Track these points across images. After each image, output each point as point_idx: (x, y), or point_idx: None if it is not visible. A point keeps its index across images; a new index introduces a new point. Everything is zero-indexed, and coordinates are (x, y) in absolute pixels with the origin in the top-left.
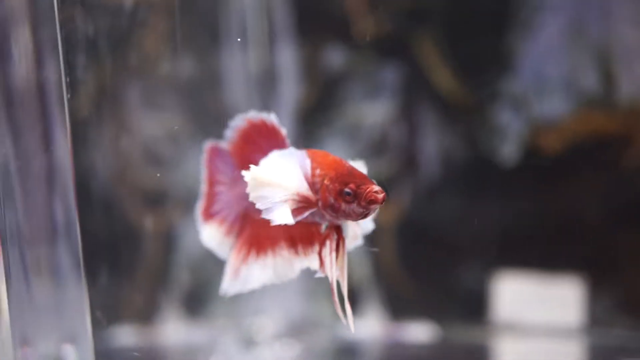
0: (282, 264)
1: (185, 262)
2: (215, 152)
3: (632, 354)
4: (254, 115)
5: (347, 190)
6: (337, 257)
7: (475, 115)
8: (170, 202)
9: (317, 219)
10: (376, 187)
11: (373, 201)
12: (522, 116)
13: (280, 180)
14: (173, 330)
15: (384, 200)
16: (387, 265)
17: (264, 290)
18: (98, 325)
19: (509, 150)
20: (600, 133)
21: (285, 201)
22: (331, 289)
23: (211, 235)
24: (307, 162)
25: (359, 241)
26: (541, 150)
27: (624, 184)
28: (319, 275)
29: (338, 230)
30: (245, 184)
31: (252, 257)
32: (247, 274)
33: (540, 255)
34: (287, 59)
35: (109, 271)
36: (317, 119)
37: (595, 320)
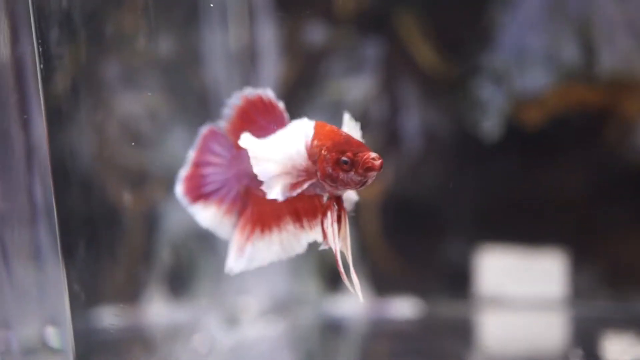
0: (288, 238)
1: (167, 241)
2: (211, 135)
3: (614, 325)
4: (250, 92)
5: (343, 158)
6: (339, 227)
7: (456, 90)
8: (151, 181)
9: (317, 191)
10: (373, 154)
11: (370, 168)
12: (504, 90)
13: (276, 154)
14: (156, 309)
15: (381, 166)
16: (371, 241)
17: (247, 270)
18: (80, 306)
19: (491, 124)
20: (581, 106)
21: (281, 175)
22: (336, 260)
23: (210, 215)
24: (311, 132)
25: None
26: (523, 124)
27: (606, 156)
28: (324, 247)
29: (338, 201)
30: (245, 161)
31: (257, 234)
32: (252, 251)
33: (523, 229)
34: (267, 35)
35: (91, 252)
36: (298, 95)
37: (578, 292)
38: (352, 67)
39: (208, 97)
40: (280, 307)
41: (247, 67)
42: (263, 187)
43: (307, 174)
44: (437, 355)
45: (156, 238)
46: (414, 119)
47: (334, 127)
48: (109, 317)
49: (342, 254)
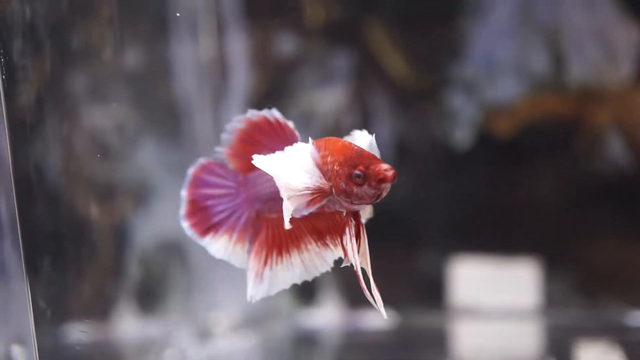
0: (311, 258)
1: (137, 255)
2: (203, 170)
3: (588, 333)
4: (253, 114)
5: (356, 172)
6: (358, 243)
7: (427, 100)
8: (119, 195)
9: (337, 207)
10: (385, 165)
11: (383, 180)
12: (474, 100)
13: (287, 176)
14: (126, 325)
15: (394, 177)
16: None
17: (218, 283)
18: (46, 323)
19: (462, 134)
20: (551, 116)
21: (293, 197)
22: (357, 277)
23: (222, 246)
24: (314, 150)
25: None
26: (494, 133)
27: (576, 166)
28: (346, 264)
29: (355, 216)
30: (256, 185)
31: (274, 258)
32: (271, 276)
33: (496, 239)
34: (237, 46)
35: (57, 267)
36: (269, 106)
37: (552, 301)
38: (323, 78)
39: (177, 109)
40: (253, 321)
41: (217, 78)
42: (283, 206)
43: (322, 190)
44: None
45: (125, 252)
46: (386, 130)
47: (346, 142)
48: (76, 333)
49: (362, 270)
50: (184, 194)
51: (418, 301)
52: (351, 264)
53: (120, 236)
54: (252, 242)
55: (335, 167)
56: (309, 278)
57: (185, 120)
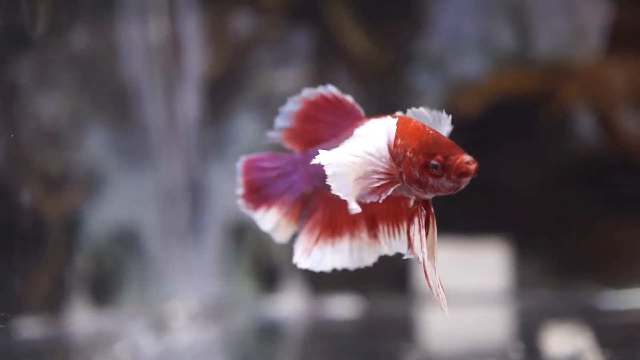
0: (360, 247)
1: (90, 247)
2: (249, 162)
3: (558, 316)
4: (308, 93)
5: (433, 162)
6: (426, 235)
7: (391, 78)
8: (70, 184)
9: (404, 193)
10: (467, 157)
11: (464, 173)
12: (439, 77)
13: (352, 158)
14: (80, 318)
15: (476, 171)
16: None
17: (175, 274)
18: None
19: None
20: (519, 92)
21: (358, 180)
22: (424, 271)
23: (270, 221)
24: (394, 130)
25: None
26: (461, 111)
27: (546, 143)
28: (408, 256)
29: (426, 205)
30: (315, 162)
31: (325, 239)
32: (319, 255)
33: (464, 221)
34: (191, 26)
35: (6, 261)
36: (226, 89)
37: (522, 284)
38: (282, 57)
39: (127, 93)
40: (214, 311)
41: (169, 61)
42: (341, 196)
43: (391, 177)
44: (378, 355)
45: (77, 243)
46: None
47: (419, 124)
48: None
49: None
50: (239, 180)
51: (385, 287)
52: (416, 257)
53: (71, 227)
54: (306, 218)
55: (408, 153)
56: (351, 267)
57: (136, 105)
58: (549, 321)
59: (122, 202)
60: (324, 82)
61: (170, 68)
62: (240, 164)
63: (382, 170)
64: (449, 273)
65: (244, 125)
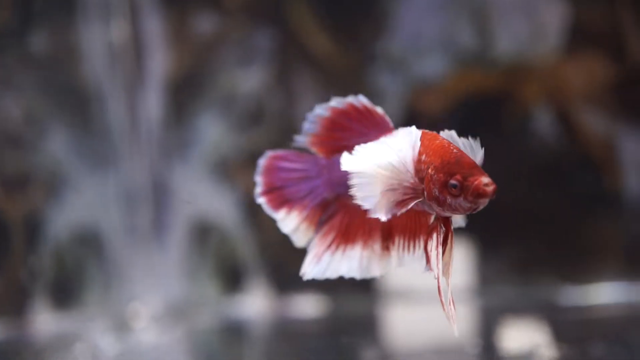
0: (369, 258)
1: (51, 248)
2: (274, 159)
3: (519, 311)
4: (339, 101)
5: (452, 182)
6: (443, 252)
7: (353, 79)
8: (30, 185)
9: (425, 208)
10: (486, 180)
11: (481, 195)
12: (401, 77)
13: (380, 169)
14: (41, 320)
15: (494, 193)
16: (271, 240)
17: (138, 275)
18: None
19: (389, 112)
20: (480, 91)
21: (386, 192)
22: (438, 287)
23: (290, 223)
24: (418, 145)
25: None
26: (422, 111)
27: (507, 142)
28: (426, 271)
29: (446, 222)
30: (339, 168)
31: (337, 246)
32: (329, 262)
33: None
34: (153, 26)
35: None
36: (189, 89)
37: (485, 281)
38: (244, 58)
39: (89, 95)
40: (178, 312)
41: (131, 61)
42: (365, 207)
43: (414, 192)
44: (342, 353)
45: (38, 245)
46: (311, 111)
47: (445, 142)
48: None
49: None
50: (259, 179)
51: (349, 286)
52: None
53: (33, 228)
54: (323, 223)
55: (430, 170)
56: (359, 277)
57: (98, 107)
58: (509, 317)
59: (84, 203)
60: (287, 83)
61: (132, 69)
62: (263, 161)
63: (406, 184)
64: (414, 272)
65: (207, 126)
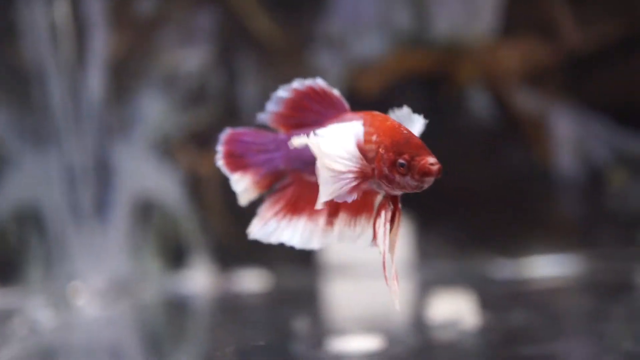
0: (312, 230)
1: None
2: (234, 135)
3: (454, 284)
4: (299, 84)
5: (400, 161)
6: (391, 229)
7: (294, 59)
8: None
9: (374, 187)
10: (431, 159)
11: (427, 173)
12: (341, 58)
13: (332, 161)
14: None
15: (439, 172)
16: (213, 217)
17: (80, 252)
18: None
19: None
20: (417, 72)
21: (338, 181)
22: (383, 262)
23: (243, 184)
24: (361, 130)
25: None
26: (362, 91)
27: (444, 121)
28: (372, 246)
29: (394, 201)
30: (300, 149)
31: (284, 214)
32: (274, 227)
33: None
34: (95, 6)
35: None
36: (130, 69)
37: (424, 255)
38: (186, 37)
39: (30, 74)
40: (121, 288)
41: (74, 41)
42: (320, 187)
43: (363, 174)
44: (283, 325)
45: None
46: (253, 90)
47: (396, 123)
48: None
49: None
50: (219, 148)
51: (291, 261)
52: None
53: None
54: (275, 191)
55: (380, 150)
56: (298, 246)
57: (39, 86)
58: (444, 290)
59: (25, 181)
60: (228, 63)
61: (74, 48)
62: (224, 134)
63: (355, 169)
64: (355, 247)
65: (149, 105)
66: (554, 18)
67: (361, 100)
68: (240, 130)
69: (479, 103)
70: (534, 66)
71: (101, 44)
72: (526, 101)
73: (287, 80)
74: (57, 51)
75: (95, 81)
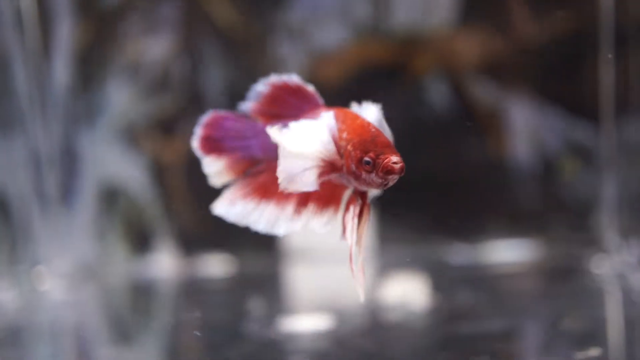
0: (277, 217)
1: None
2: (215, 118)
3: (412, 269)
4: (276, 78)
5: (366, 159)
6: (359, 223)
7: (256, 48)
8: None
9: (344, 182)
10: (395, 158)
11: (390, 171)
12: (301, 47)
13: (304, 148)
14: None
15: (402, 171)
16: (178, 203)
17: (45, 237)
18: None
19: None
20: (376, 62)
21: (309, 169)
22: (350, 255)
23: (214, 167)
24: (335, 125)
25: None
26: (322, 80)
27: (401, 110)
28: (342, 239)
29: (363, 196)
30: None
31: (253, 197)
32: (241, 208)
33: None
34: None
35: None
36: (95, 58)
37: (384, 241)
38: (150, 27)
39: None
40: (86, 273)
41: (39, 29)
42: (281, 183)
43: (333, 167)
44: (246, 309)
45: None
46: (216, 78)
47: (365, 122)
48: None
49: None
50: (197, 130)
51: (254, 246)
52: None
53: None
54: (248, 176)
55: (349, 147)
56: (262, 230)
57: (4, 73)
58: (400, 274)
59: None
60: (192, 51)
61: (39, 36)
62: (205, 117)
63: (327, 159)
64: (317, 232)
65: (114, 93)
66: (510, 9)
67: (321, 88)
68: (222, 114)
69: (436, 93)
70: (490, 57)
71: (67, 32)
72: (482, 91)
73: (250, 68)
74: (22, 38)
75: (61, 69)
